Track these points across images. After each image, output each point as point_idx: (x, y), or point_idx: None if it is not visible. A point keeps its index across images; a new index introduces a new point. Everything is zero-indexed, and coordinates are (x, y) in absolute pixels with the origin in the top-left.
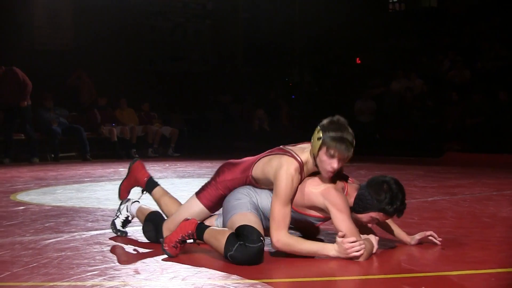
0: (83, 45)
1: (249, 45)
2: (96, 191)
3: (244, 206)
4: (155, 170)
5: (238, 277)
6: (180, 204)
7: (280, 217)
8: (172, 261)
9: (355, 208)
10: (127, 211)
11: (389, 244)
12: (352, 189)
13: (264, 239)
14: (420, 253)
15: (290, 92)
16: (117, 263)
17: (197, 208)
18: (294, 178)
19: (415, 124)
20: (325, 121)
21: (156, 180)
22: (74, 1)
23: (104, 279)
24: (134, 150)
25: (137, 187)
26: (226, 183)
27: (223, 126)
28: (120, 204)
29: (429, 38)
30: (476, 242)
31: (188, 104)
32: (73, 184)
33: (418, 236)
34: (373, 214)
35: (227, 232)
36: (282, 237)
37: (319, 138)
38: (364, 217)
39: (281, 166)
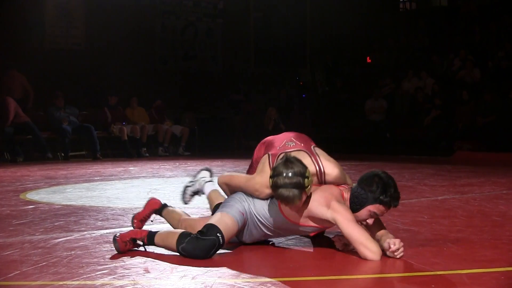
0: (95, 44)
1: (260, 44)
2: (106, 190)
3: (231, 207)
4: (165, 169)
5: (248, 275)
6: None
7: None
8: (182, 260)
9: (352, 207)
10: (199, 186)
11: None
12: (347, 193)
13: (223, 237)
14: (430, 251)
15: (301, 91)
16: (127, 262)
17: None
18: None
19: (425, 123)
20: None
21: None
22: (86, 0)
23: (114, 278)
24: (144, 149)
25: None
26: (254, 163)
27: (235, 125)
28: (197, 174)
29: (439, 37)
30: (486, 241)
31: (200, 103)
32: (83, 183)
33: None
34: (371, 208)
35: (181, 230)
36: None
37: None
38: (363, 213)
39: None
